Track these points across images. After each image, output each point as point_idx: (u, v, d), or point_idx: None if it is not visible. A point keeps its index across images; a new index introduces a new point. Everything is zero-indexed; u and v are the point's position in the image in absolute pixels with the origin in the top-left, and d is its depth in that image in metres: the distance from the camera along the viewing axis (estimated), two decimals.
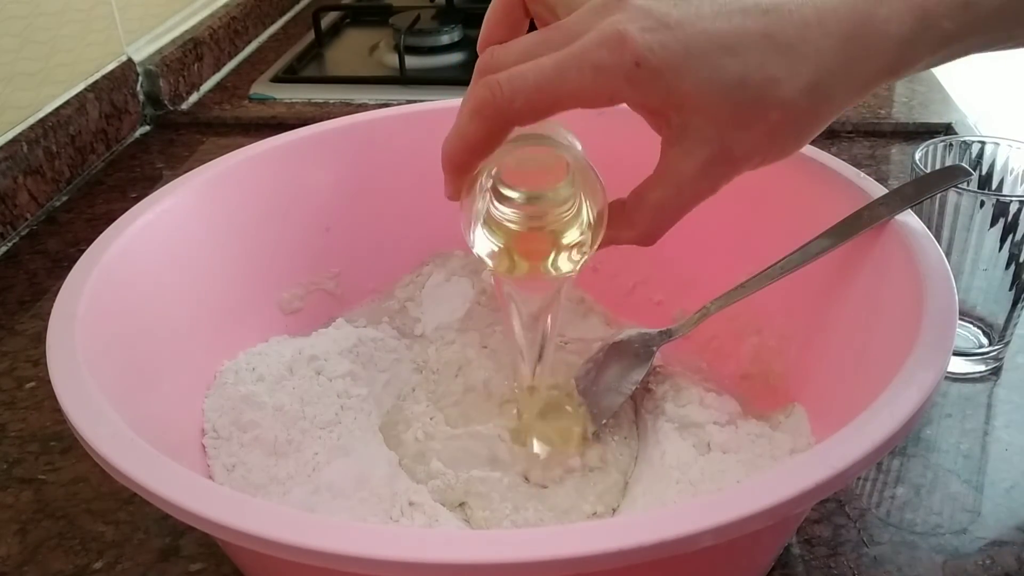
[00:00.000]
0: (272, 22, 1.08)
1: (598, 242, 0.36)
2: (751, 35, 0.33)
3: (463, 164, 0.37)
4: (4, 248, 0.65)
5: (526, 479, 0.42)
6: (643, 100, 0.33)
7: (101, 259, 0.40)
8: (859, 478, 0.44)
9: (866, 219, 0.41)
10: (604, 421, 0.44)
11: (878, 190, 0.42)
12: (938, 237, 0.46)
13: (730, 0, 0.33)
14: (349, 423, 0.43)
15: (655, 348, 0.46)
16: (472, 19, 1.00)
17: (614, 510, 0.41)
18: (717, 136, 0.33)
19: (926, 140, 0.52)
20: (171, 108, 0.85)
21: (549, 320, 0.42)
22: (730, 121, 0.33)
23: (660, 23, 0.32)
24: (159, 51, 0.86)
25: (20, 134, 0.68)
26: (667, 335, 0.46)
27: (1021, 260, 0.47)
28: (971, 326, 0.50)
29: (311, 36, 1.00)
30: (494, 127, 0.34)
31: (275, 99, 0.87)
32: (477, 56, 0.36)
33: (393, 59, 0.91)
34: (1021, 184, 0.50)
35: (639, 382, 0.45)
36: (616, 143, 0.52)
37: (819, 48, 0.33)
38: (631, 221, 0.36)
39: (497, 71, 0.34)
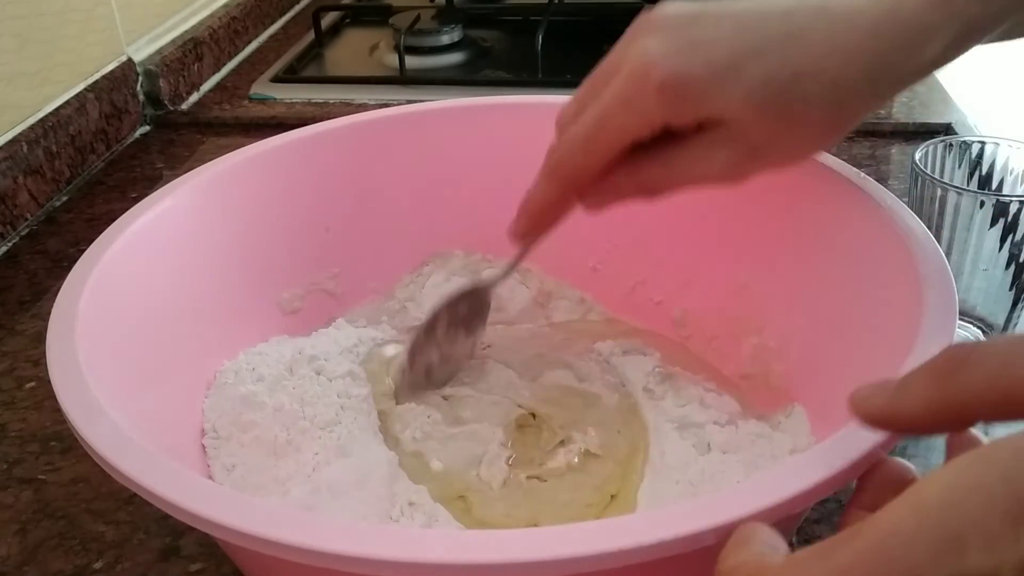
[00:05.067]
0: (272, 22, 1.08)
1: None
2: (774, 37, 0.34)
3: (542, 221, 0.41)
4: (4, 248, 0.65)
5: (524, 474, 0.42)
6: (677, 118, 0.35)
7: (101, 259, 0.40)
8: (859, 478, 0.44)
9: None
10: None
11: (878, 190, 0.42)
12: (938, 237, 0.46)
13: (750, 9, 0.34)
14: (349, 423, 0.43)
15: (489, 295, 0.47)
16: (472, 19, 1.00)
17: (612, 496, 0.41)
18: (745, 136, 0.35)
19: (926, 140, 0.52)
20: (171, 108, 0.85)
21: None
22: (757, 121, 0.34)
23: (687, 44, 0.34)
24: (159, 51, 0.86)
25: (20, 134, 0.68)
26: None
27: (1021, 260, 0.47)
28: (971, 326, 0.50)
29: (311, 36, 1.00)
30: (565, 186, 0.38)
31: (275, 99, 0.87)
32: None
33: (393, 59, 0.91)
34: (1021, 184, 0.50)
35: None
36: None
37: (845, 43, 0.33)
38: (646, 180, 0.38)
39: (561, 134, 0.38)
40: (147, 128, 0.84)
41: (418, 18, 0.96)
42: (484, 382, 0.48)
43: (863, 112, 0.35)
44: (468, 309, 0.46)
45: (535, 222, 0.40)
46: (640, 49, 0.34)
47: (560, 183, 0.38)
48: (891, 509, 0.20)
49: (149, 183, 0.74)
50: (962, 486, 0.19)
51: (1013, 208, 0.45)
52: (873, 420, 0.26)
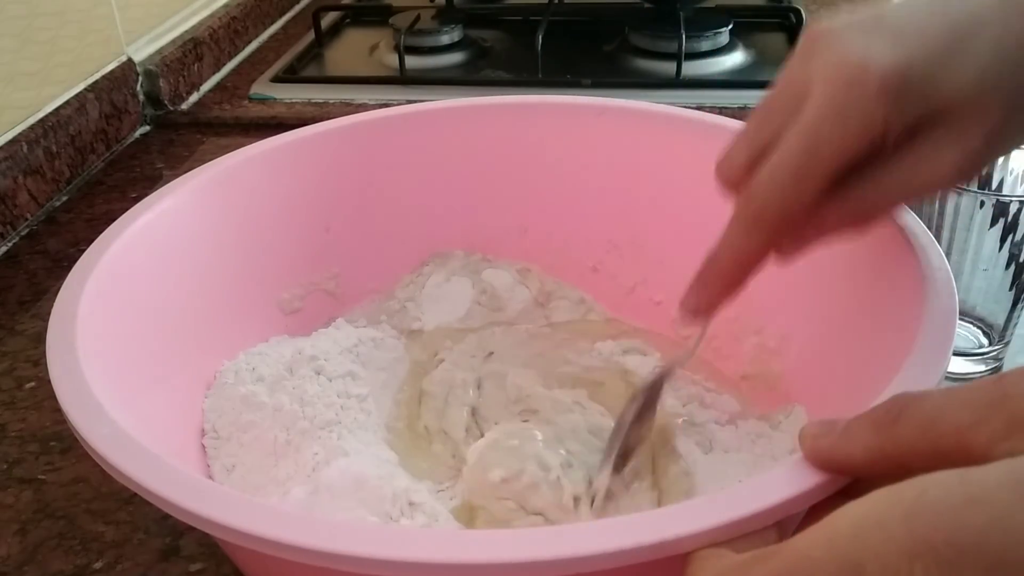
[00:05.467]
0: (272, 22, 1.08)
1: None
2: (978, 10, 0.31)
3: (738, 280, 0.35)
4: (4, 248, 0.65)
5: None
6: (902, 117, 0.31)
7: (101, 259, 0.40)
8: None
9: None
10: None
11: None
12: (938, 237, 0.46)
13: None
14: (349, 423, 0.43)
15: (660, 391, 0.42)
16: (472, 19, 1.00)
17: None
18: (978, 122, 0.31)
19: None
20: (171, 108, 0.85)
21: None
22: (992, 100, 0.31)
23: (892, 38, 0.30)
24: (159, 51, 0.86)
25: (20, 134, 0.68)
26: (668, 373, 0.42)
27: (1021, 260, 0.47)
28: (971, 326, 0.50)
29: (311, 36, 1.00)
30: (773, 232, 0.33)
31: (275, 99, 0.87)
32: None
33: (393, 59, 0.91)
34: (1021, 184, 0.50)
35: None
36: (616, 143, 0.52)
37: None
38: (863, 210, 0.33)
39: (739, 187, 0.33)
40: (147, 128, 0.84)
41: (418, 18, 0.96)
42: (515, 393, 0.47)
43: None
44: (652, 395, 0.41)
45: (730, 286, 0.35)
46: (837, 57, 0.30)
47: (768, 230, 0.32)
48: (808, 534, 0.22)
49: (149, 183, 0.74)
50: (868, 521, 0.20)
51: (1013, 208, 0.45)
52: (816, 461, 0.27)
